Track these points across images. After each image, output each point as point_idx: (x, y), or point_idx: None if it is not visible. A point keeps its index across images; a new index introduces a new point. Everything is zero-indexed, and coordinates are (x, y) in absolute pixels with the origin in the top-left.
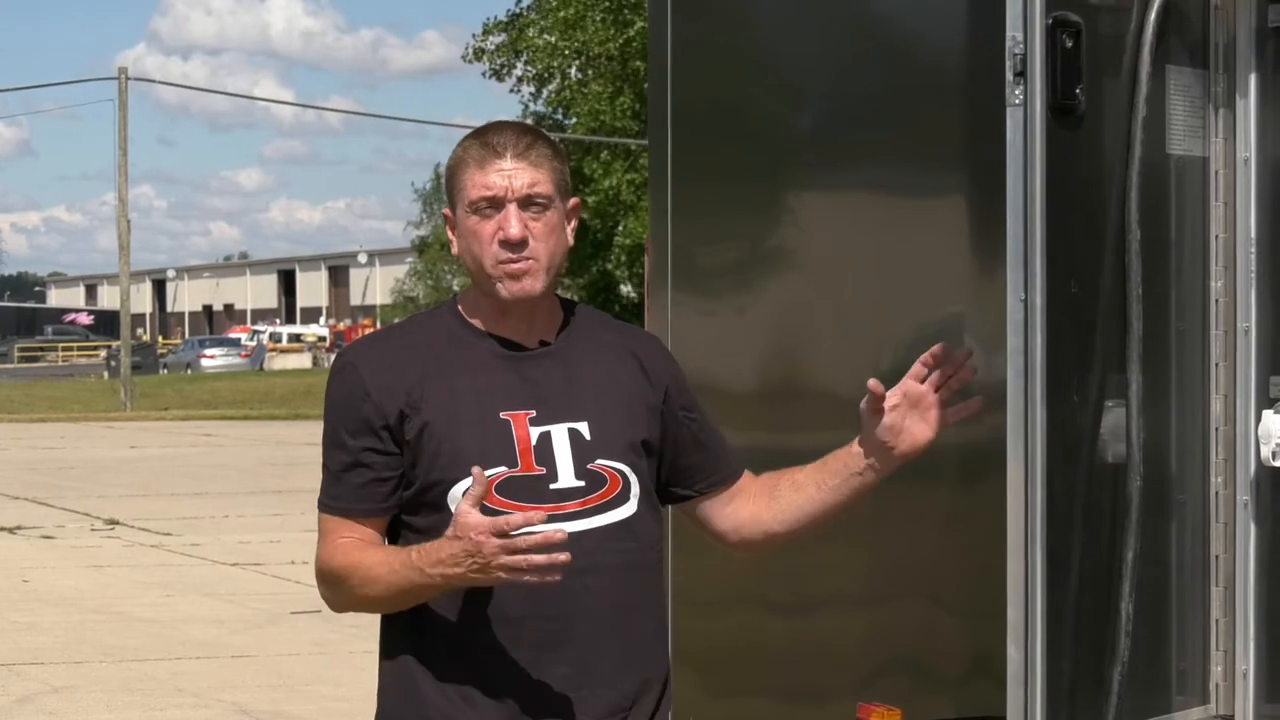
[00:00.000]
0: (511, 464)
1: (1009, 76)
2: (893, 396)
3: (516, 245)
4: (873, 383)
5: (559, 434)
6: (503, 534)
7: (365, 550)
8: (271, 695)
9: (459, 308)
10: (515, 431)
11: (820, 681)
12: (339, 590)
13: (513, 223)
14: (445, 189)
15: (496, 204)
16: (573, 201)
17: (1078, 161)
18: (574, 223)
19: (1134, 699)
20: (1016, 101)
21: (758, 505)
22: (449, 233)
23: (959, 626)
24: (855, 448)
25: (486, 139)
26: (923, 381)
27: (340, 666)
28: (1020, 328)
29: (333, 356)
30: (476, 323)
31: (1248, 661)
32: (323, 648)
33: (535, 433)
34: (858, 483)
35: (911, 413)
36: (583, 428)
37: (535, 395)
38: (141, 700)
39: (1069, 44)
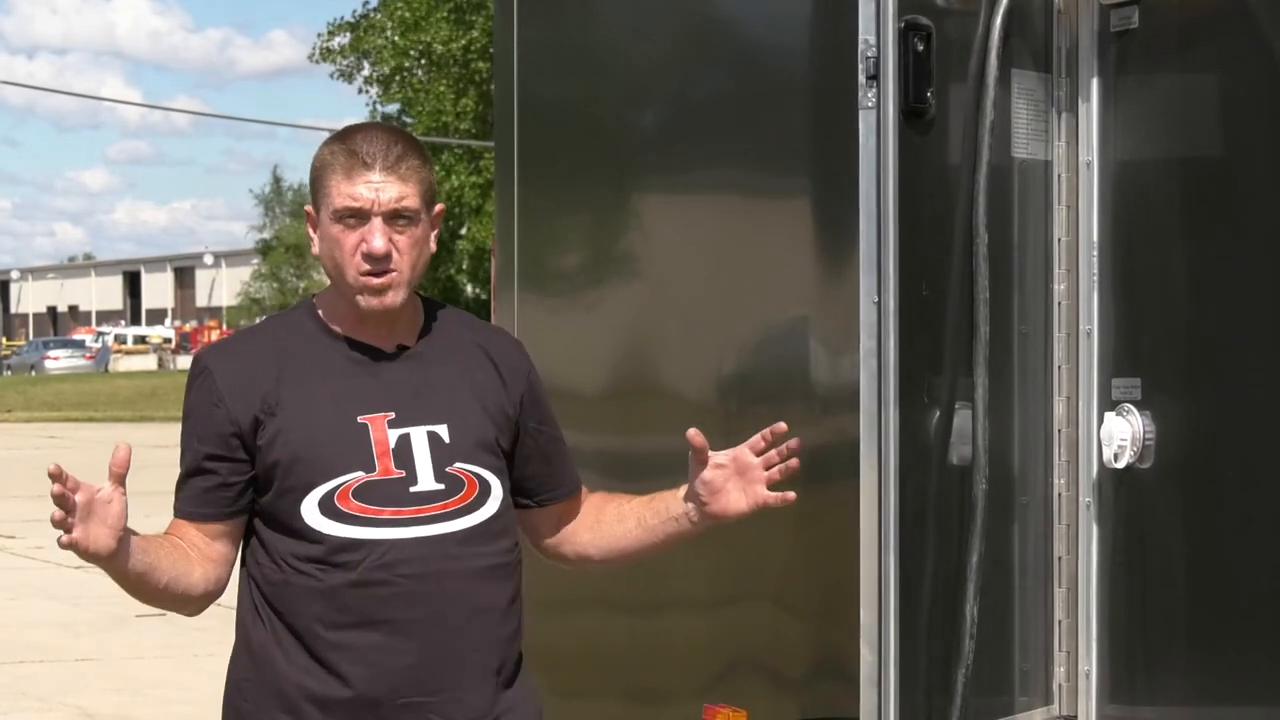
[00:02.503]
0: (369, 468)
1: (861, 80)
2: (723, 457)
3: (380, 259)
4: (691, 432)
5: (418, 436)
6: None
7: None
8: (116, 699)
9: (317, 310)
10: (373, 434)
11: (666, 683)
12: None
13: (377, 238)
14: (310, 188)
15: (362, 216)
16: (437, 208)
17: (927, 165)
18: (437, 230)
19: (978, 700)
20: (869, 105)
21: (578, 525)
22: (310, 231)
23: (805, 628)
24: (679, 493)
25: (355, 146)
26: (758, 455)
27: (185, 670)
28: (874, 330)
29: (178, 358)
30: (335, 326)
31: (1090, 662)
32: (167, 651)
33: (394, 435)
34: (673, 528)
35: (736, 479)
36: (442, 430)
37: (393, 398)
38: None
39: (920, 47)
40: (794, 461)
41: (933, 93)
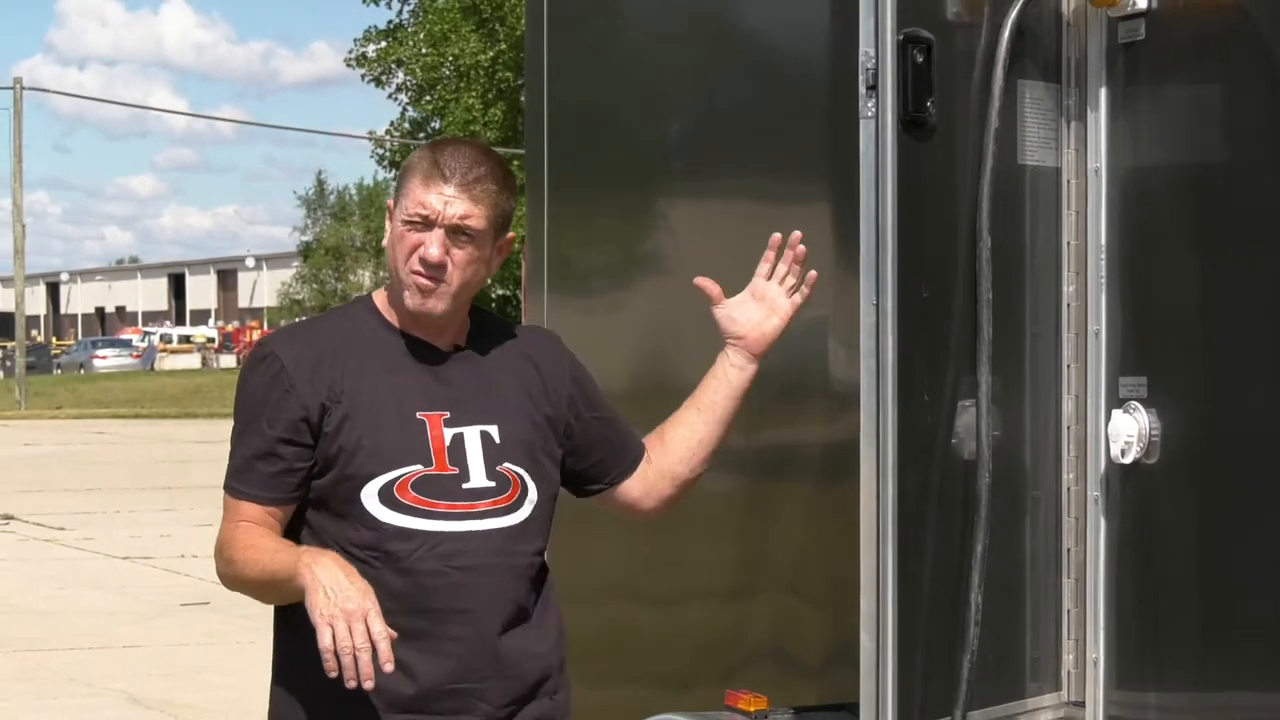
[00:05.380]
0: (426, 463)
1: (861, 90)
2: (744, 294)
3: (433, 267)
4: (698, 281)
5: (471, 435)
6: (364, 630)
7: (265, 535)
8: (162, 684)
9: (376, 306)
10: (430, 431)
11: (689, 670)
12: (230, 567)
13: (434, 247)
14: (395, 184)
15: (427, 223)
16: (508, 235)
17: (929, 172)
18: (504, 255)
19: (988, 686)
20: (868, 114)
21: (657, 461)
22: (386, 222)
23: (821, 617)
24: (720, 357)
25: (439, 157)
26: (769, 277)
27: (228, 657)
28: (872, 331)
29: (221, 357)
30: (394, 322)
31: (1098, 650)
32: (212, 638)
33: (449, 434)
34: (728, 389)
35: (760, 306)
36: (493, 430)
37: (449, 397)
38: (35, 689)
39: (920, 59)
40: (812, 274)
41: (933, 103)
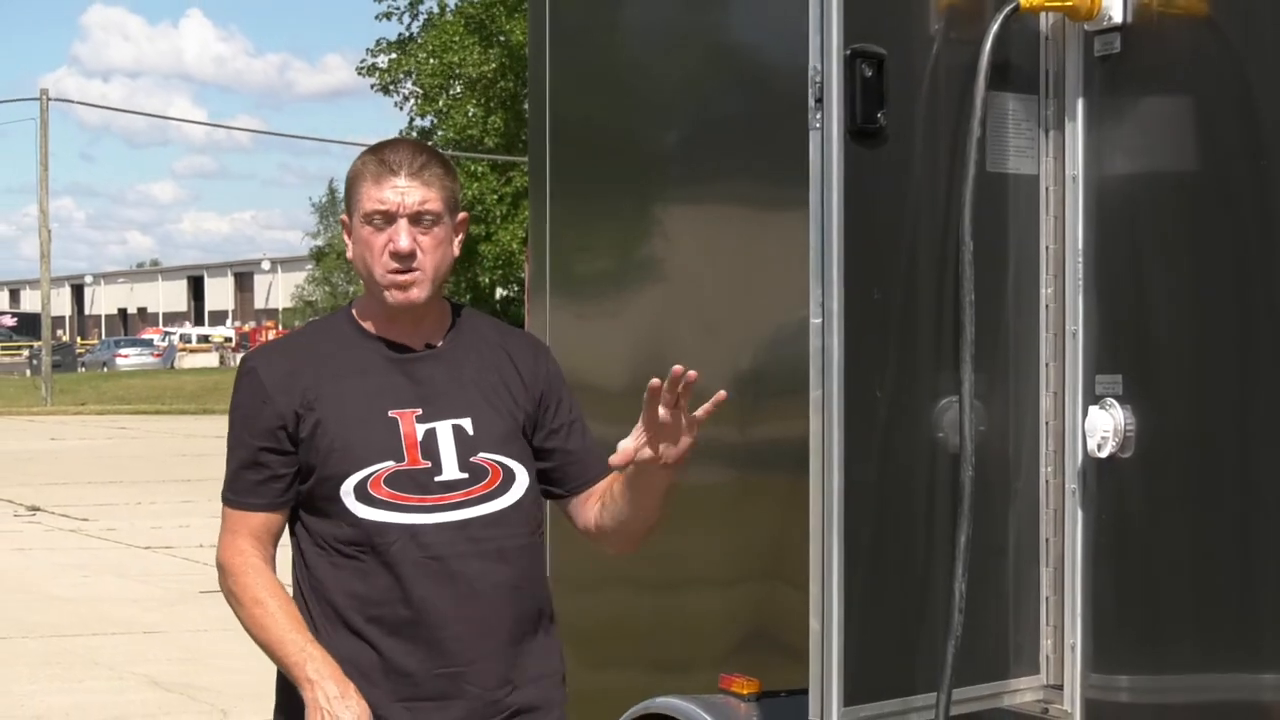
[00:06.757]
0: (398, 458)
1: (810, 103)
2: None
3: (405, 257)
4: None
5: (444, 430)
6: None
7: (272, 592)
8: (182, 668)
9: (353, 312)
10: (402, 428)
11: (685, 654)
12: (231, 601)
13: (402, 236)
14: (344, 197)
15: (389, 218)
16: (461, 216)
17: (883, 180)
18: (461, 235)
19: (971, 669)
20: (815, 126)
21: (600, 507)
22: (345, 238)
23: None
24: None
25: (383, 156)
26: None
27: (246, 642)
28: (819, 331)
29: (238, 356)
30: (368, 326)
31: (1075, 635)
32: (229, 624)
33: (421, 429)
34: (639, 486)
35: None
36: (466, 423)
37: (421, 394)
38: (61, 673)
39: (869, 73)
40: (720, 394)
41: (884, 114)
